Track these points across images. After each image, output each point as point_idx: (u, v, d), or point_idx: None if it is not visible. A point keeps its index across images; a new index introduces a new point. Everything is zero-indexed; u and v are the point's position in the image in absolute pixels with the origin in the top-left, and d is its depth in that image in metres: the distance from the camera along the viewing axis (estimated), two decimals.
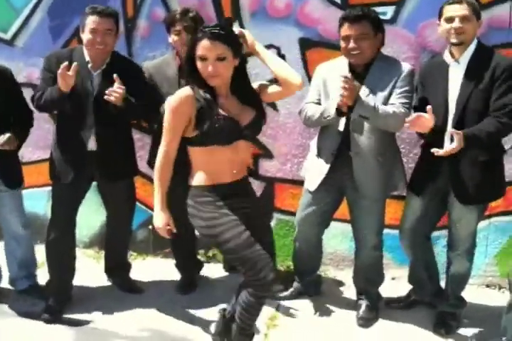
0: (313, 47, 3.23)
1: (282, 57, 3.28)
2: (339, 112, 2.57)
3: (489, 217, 3.24)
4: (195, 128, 2.19)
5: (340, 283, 3.39)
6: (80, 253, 3.66)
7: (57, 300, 2.99)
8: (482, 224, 3.21)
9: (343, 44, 2.65)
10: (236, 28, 2.31)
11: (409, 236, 2.86)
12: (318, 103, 2.78)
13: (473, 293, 3.15)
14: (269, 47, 3.29)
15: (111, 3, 3.42)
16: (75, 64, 2.65)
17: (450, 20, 2.52)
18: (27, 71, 3.67)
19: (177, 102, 2.19)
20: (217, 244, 2.26)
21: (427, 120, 2.47)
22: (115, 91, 2.66)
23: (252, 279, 2.24)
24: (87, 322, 2.89)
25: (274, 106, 3.38)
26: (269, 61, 2.31)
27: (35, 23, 3.64)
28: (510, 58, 2.56)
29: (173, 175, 2.27)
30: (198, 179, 2.26)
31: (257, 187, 3.50)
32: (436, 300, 2.95)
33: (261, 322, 2.88)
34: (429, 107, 2.48)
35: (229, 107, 2.23)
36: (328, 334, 2.82)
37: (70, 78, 2.64)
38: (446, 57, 2.64)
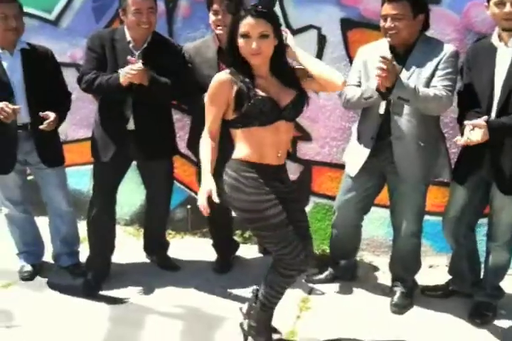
0: (354, 27, 3.15)
1: (323, 37, 3.23)
2: (382, 95, 2.51)
3: None
4: (235, 111, 2.19)
5: (376, 269, 3.36)
6: (120, 230, 3.79)
7: (95, 277, 3.09)
8: None
9: (382, 23, 2.60)
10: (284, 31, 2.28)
11: (453, 226, 2.80)
12: (359, 85, 2.72)
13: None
14: (309, 27, 3.25)
15: None
16: (140, 65, 2.68)
17: (501, 4, 2.40)
18: (71, 51, 3.73)
19: (214, 87, 2.21)
20: (257, 219, 2.25)
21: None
22: (130, 72, 2.67)
23: (283, 257, 2.28)
24: (122, 300, 2.97)
25: None
26: (308, 64, 2.25)
27: (78, 4, 3.69)
28: None
29: None
30: (245, 154, 2.26)
31: (295, 169, 3.50)
32: (474, 290, 2.89)
33: (294, 304, 2.93)
34: (481, 120, 2.41)
35: (268, 88, 2.22)
36: (360, 319, 2.81)
37: (137, 77, 2.69)
38: (495, 40, 2.53)
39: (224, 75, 2.21)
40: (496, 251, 2.72)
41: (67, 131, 3.89)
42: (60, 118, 2.95)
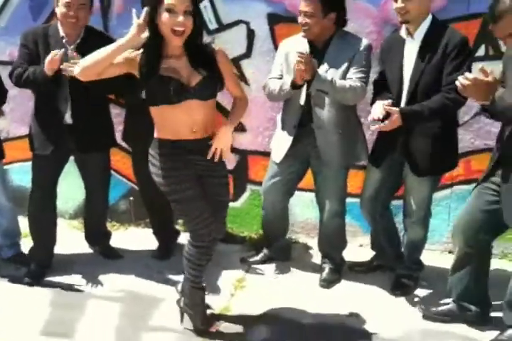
0: (280, 21, 3.32)
1: (251, 32, 3.40)
2: (294, 86, 2.70)
3: (451, 185, 3.37)
4: (144, 87, 2.34)
5: (310, 250, 3.55)
6: (65, 223, 3.89)
7: (38, 265, 3.19)
8: (444, 192, 3.39)
9: (299, 19, 2.77)
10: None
11: (369, 206, 3.01)
12: (280, 78, 2.90)
13: (435, 259, 3.31)
14: (238, 22, 3.42)
15: None
16: (62, 50, 2.78)
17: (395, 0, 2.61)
18: (9, 49, 3.77)
19: (127, 56, 2.31)
20: (168, 193, 2.46)
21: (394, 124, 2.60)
22: (70, 65, 2.74)
23: (191, 229, 2.48)
24: (67, 286, 3.09)
25: (245, 81, 3.51)
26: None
27: (15, 3, 3.73)
28: (462, 34, 2.64)
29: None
30: (159, 132, 2.45)
31: (232, 159, 3.67)
32: (396, 264, 3.11)
33: (229, 283, 3.10)
34: (395, 115, 2.60)
35: (179, 68, 2.33)
36: (291, 295, 3.00)
37: (56, 63, 2.77)
38: (403, 33, 2.74)
39: (134, 53, 2.31)
40: (411, 227, 2.95)
41: (8, 128, 3.96)
42: None
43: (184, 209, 2.48)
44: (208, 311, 2.73)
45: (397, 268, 3.09)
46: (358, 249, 3.51)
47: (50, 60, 2.77)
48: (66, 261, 3.36)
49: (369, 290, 3.05)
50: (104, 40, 3.04)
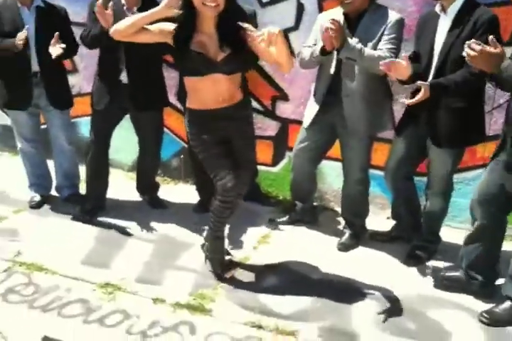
0: None
1: (301, 6, 3.56)
2: (323, 52, 2.87)
3: (483, 166, 3.38)
4: (177, 58, 2.64)
5: (338, 217, 3.72)
6: (122, 174, 4.32)
7: (91, 205, 3.62)
8: (476, 172, 3.42)
9: None
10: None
11: (392, 175, 3.15)
12: (314, 46, 3.05)
13: (461, 237, 3.37)
14: None
15: None
16: (111, 3, 3.06)
17: None
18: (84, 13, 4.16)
19: (157, 27, 2.58)
20: (196, 153, 2.82)
21: (402, 66, 2.69)
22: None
23: (216, 184, 2.75)
24: (112, 225, 3.51)
25: (292, 53, 3.66)
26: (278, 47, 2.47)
27: None
28: (492, 12, 2.69)
29: None
30: (190, 102, 2.75)
31: (274, 126, 3.90)
32: (414, 235, 3.24)
33: (254, 238, 3.38)
34: (404, 55, 2.71)
35: (207, 43, 2.57)
36: (308, 253, 3.23)
37: (109, 15, 3.05)
38: (437, 8, 2.82)
39: (170, 26, 2.57)
40: (431, 198, 3.06)
41: (81, 84, 4.39)
42: (67, 52, 3.30)
43: (209, 166, 2.78)
44: (228, 257, 3.03)
45: (414, 239, 3.23)
46: (385, 221, 3.63)
47: (101, 12, 3.01)
48: (117, 205, 3.78)
49: (383, 258, 3.22)
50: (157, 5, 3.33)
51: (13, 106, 3.53)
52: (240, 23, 2.59)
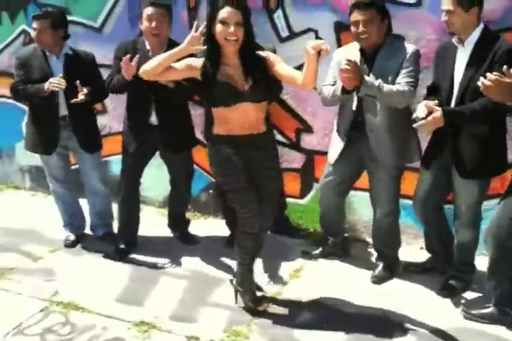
0: (347, 30, 3.47)
1: (319, 39, 3.61)
2: (344, 91, 2.91)
3: None
4: (205, 91, 2.70)
5: (370, 248, 3.69)
6: (154, 211, 4.39)
7: (124, 244, 3.68)
8: None
9: (353, 29, 2.95)
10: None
11: (420, 207, 3.13)
12: (334, 85, 3.09)
13: None
14: (307, 30, 3.66)
15: None
16: (137, 56, 3.15)
17: (442, 13, 2.75)
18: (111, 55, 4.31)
19: (184, 63, 2.68)
20: (222, 182, 2.85)
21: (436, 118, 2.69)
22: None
23: (240, 217, 2.78)
24: (146, 263, 3.55)
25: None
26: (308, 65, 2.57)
27: (118, 13, 4.24)
28: (510, 44, 2.69)
29: None
30: (217, 128, 2.79)
31: (300, 158, 3.93)
32: (448, 266, 3.19)
33: (286, 272, 3.37)
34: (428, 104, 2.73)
35: (233, 74, 2.66)
36: (342, 286, 3.21)
37: (132, 68, 3.13)
38: (455, 41, 2.84)
39: (196, 61, 2.68)
40: (460, 229, 3.02)
41: (110, 124, 4.51)
42: (93, 97, 3.44)
43: (234, 199, 2.81)
44: (259, 293, 3.03)
45: (447, 270, 3.17)
46: (419, 251, 3.60)
47: (126, 65, 3.12)
48: (149, 242, 3.83)
49: (417, 290, 3.17)
50: None
51: (40, 150, 3.64)
52: (261, 53, 2.70)
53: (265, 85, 2.69)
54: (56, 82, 3.29)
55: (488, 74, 2.24)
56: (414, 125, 2.76)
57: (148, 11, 3.26)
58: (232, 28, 2.53)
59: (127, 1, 4.17)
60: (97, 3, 4.27)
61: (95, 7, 4.29)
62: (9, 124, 4.94)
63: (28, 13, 4.54)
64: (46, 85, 3.32)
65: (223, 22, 2.54)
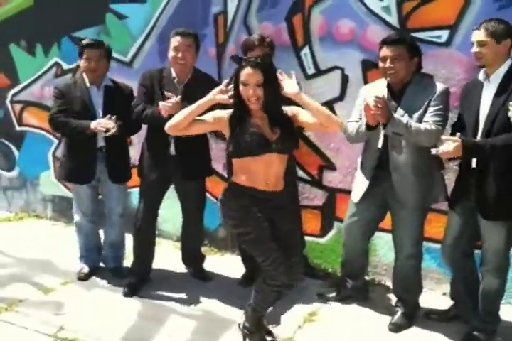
0: (373, 68, 3.43)
1: (345, 77, 3.57)
2: (369, 127, 2.82)
3: None
4: (231, 142, 2.61)
5: (390, 292, 3.52)
6: (171, 245, 4.32)
7: (137, 279, 3.59)
8: None
9: (381, 64, 2.90)
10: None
11: (449, 253, 2.97)
12: (359, 121, 3.02)
13: None
14: (334, 68, 3.63)
15: (206, 31, 4.00)
16: (179, 97, 3.13)
17: (472, 45, 2.66)
18: None
19: (212, 117, 2.64)
20: (240, 234, 2.68)
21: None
22: (166, 104, 3.09)
23: (265, 269, 2.64)
24: (157, 299, 3.45)
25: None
26: (310, 109, 2.56)
27: (148, 48, 4.32)
28: None
29: None
30: (238, 178, 2.69)
31: (321, 196, 3.83)
32: (471, 315, 3.00)
33: (300, 315, 3.22)
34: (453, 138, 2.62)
35: (260, 125, 2.62)
36: (357, 333, 3.04)
37: (175, 107, 3.05)
38: (481, 76, 2.76)
39: (223, 113, 2.64)
40: (486, 276, 2.84)
41: (136, 156, 4.47)
42: (129, 129, 3.48)
43: (256, 250, 2.67)
44: (269, 338, 2.88)
45: (471, 320, 2.98)
46: (441, 297, 3.43)
47: (170, 107, 3.07)
48: (163, 277, 3.74)
49: (438, 339, 2.97)
50: (209, 80, 3.43)
51: (77, 179, 3.62)
52: (285, 108, 2.66)
53: (290, 136, 2.64)
54: (104, 123, 3.32)
55: None
56: (432, 151, 2.63)
57: (176, 40, 3.29)
58: (251, 90, 2.52)
59: (158, 35, 4.24)
60: (128, 37, 4.36)
61: (126, 41, 4.37)
62: (35, 154, 5.03)
63: (61, 46, 4.69)
64: (93, 125, 3.35)
65: (244, 83, 2.54)
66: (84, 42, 3.50)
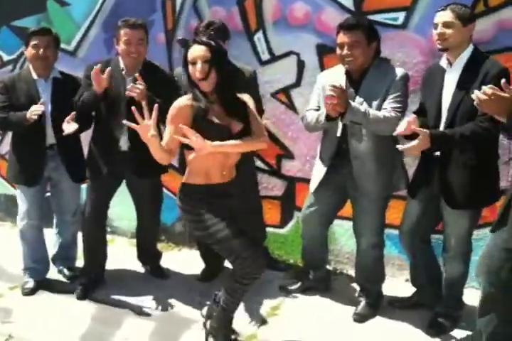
0: (329, 52, 3.33)
1: (301, 62, 3.46)
2: (329, 118, 2.72)
3: None
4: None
5: (352, 281, 3.45)
6: (126, 242, 4.14)
7: (89, 280, 3.40)
8: None
9: (338, 51, 2.78)
10: None
11: (407, 239, 2.92)
12: (318, 109, 2.93)
13: None
14: (289, 53, 3.51)
15: (154, 16, 3.81)
16: (109, 68, 2.99)
17: (435, 26, 2.58)
18: None
19: (174, 110, 2.46)
20: (205, 236, 2.52)
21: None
22: (136, 88, 2.94)
23: (239, 267, 2.49)
24: (108, 302, 3.26)
25: (294, 110, 3.57)
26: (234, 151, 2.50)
27: (92, 36, 4.11)
28: (501, 65, 2.55)
29: None
30: (193, 178, 2.53)
31: (280, 185, 3.72)
32: (435, 302, 2.96)
33: (262, 310, 3.12)
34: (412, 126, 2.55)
35: (221, 115, 2.47)
36: (322, 326, 2.96)
37: (103, 80, 2.97)
38: (443, 62, 2.69)
39: (185, 101, 2.46)
40: (449, 262, 2.81)
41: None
42: (84, 125, 3.21)
43: (225, 249, 2.51)
44: (234, 336, 2.76)
45: (435, 306, 2.95)
46: (404, 283, 3.38)
47: (96, 77, 2.93)
48: (117, 276, 3.57)
49: (403, 328, 2.93)
50: (160, 74, 3.25)
51: (23, 181, 3.35)
52: (241, 95, 2.55)
53: (249, 127, 2.52)
54: (34, 109, 3.08)
55: (484, 88, 2.08)
56: (399, 147, 2.56)
57: (126, 33, 3.08)
58: (198, 66, 2.37)
59: (102, 23, 4.03)
60: (72, 25, 4.13)
61: (69, 29, 4.15)
62: None
63: (0, 36, 4.40)
64: (28, 114, 3.09)
65: (192, 62, 2.39)
66: (32, 29, 3.27)
